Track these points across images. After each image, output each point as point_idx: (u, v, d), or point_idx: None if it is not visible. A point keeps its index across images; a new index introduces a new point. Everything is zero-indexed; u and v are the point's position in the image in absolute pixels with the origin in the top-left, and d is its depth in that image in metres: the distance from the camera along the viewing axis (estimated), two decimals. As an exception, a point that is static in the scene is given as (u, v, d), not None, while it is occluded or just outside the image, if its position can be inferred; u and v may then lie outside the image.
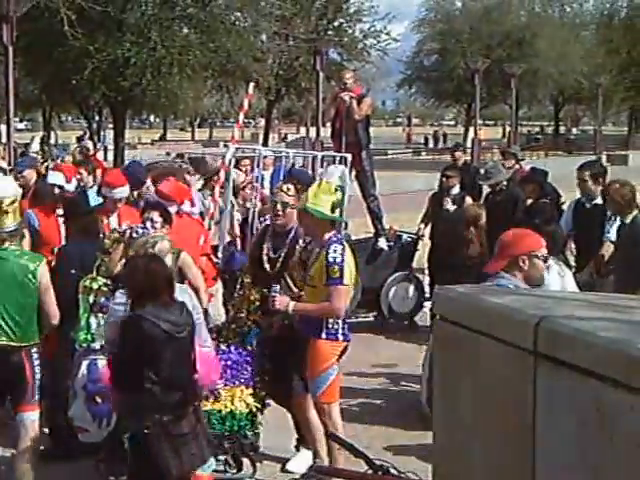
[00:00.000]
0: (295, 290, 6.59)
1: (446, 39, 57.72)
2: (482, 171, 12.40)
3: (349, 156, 10.04)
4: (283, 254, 6.75)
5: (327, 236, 6.30)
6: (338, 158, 10.02)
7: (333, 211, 6.37)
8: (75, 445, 6.69)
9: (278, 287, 6.39)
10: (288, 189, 6.89)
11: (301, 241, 6.81)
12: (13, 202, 6.06)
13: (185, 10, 28.71)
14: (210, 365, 5.91)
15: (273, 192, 7.67)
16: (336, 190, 6.46)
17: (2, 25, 18.93)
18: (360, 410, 8.33)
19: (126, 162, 12.86)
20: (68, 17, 24.24)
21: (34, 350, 6.11)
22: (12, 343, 6.02)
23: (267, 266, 6.88)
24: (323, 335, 6.30)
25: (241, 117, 10.69)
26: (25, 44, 24.15)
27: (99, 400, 6.30)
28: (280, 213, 6.81)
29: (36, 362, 6.11)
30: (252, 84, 11.59)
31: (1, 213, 6.02)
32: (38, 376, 6.11)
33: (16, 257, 6.08)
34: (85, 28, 25.20)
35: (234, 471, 6.42)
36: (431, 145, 71.52)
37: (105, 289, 6.70)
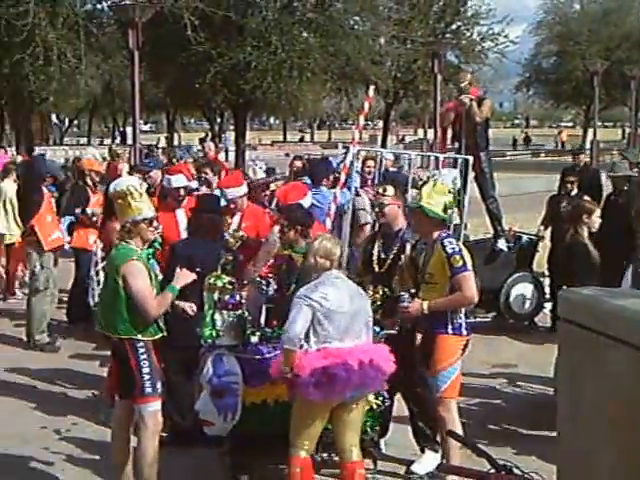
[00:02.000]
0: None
1: (564, 41, 56.73)
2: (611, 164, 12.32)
3: (470, 158, 10.07)
4: (392, 255, 6.84)
5: (437, 234, 6.41)
6: (460, 160, 10.06)
7: (445, 211, 6.50)
8: (197, 437, 6.87)
9: (407, 295, 6.49)
10: (385, 190, 7.08)
11: (409, 242, 6.92)
12: (131, 197, 6.19)
13: (305, 15, 28.99)
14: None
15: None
16: (449, 192, 6.57)
17: (129, 31, 19.54)
18: (480, 409, 8.35)
19: (247, 162, 13.11)
20: (191, 22, 24.75)
21: (139, 344, 6.15)
22: (109, 334, 6.23)
23: (376, 267, 7.00)
24: (449, 330, 6.40)
25: (361, 119, 10.80)
26: (150, 49, 24.78)
27: (224, 394, 6.48)
28: (381, 214, 7.01)
29: (143, 355, 6.14)
30: (372, 87, 11.69)
31: (121, 205, 6.21)
32: (147, 370, 6.14)
33: (115, 252, 6.26)
34: (208, 33, 25.70)
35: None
36: (520, 146, 70.47)
37: (230, 287, 6.89)
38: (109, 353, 6.78)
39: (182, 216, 8.79)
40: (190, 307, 6.99)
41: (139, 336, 6.15)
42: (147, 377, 6.13)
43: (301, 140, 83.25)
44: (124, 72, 30.57)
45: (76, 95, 38.55)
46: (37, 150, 29.33)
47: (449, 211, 6.60)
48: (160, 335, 6.29)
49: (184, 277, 6.34)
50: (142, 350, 6.14)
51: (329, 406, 5.82)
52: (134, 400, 6.21)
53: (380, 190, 7.28)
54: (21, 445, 7.64)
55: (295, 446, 5.87)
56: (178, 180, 9.23)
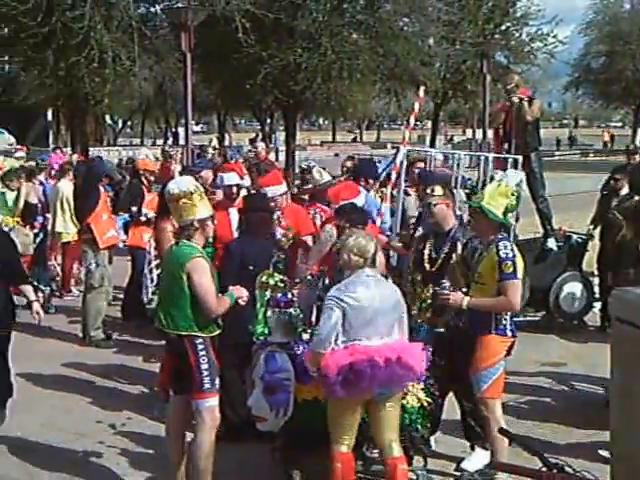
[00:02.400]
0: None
1: (614, 41, 56.11)
2: None
3: (520, 158, 10.07)
4: (444, 254, 6.89)
5: (494, 236, 6.45)
6: (510, 160, 10.08)
7: (505, 214, 6.52)
8: (249, 432, 6.97)
9: (447, 283, 6.55)
10: (434, 190, 7.12)
11: (460, 241, 6.97)
12: (189, 197, 6.27)
13: (354, 16, 28.99)
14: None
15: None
16: (512, 194, 6.58)
17: (181, 33, 19.73)
18: (529, 408, 8.35)
19: (303, 163, 13.17)
20: (243, 25, 24.87)
21: (199, 341, 6.24)
22: (172, 331, 6.29)
23: (427, 265, 7.06)
24: (492, 330, 6.43)
25: (412, 120, 10.85)
26: (202, 51, 24.97)
27: (276, 390, 6.56)
28: (429, 213, 7.07)
29: (202, 352, 6.23)
30: (422, 88, 11.71)
31: (179, 206, 6.28)
32: (206, 366, 6.22)
33: (177, 250, 6.31)
34: (259, 35, 25.82)
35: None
36: (565, 146, 69.74)
37: (281, 285, 6.99)
38: (162, 349, 6.93)
39: (235, 214, 8.91)
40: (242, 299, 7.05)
41: (199, 333, 6.23)
42: (206, 373, 6.21)
43: (354, 140, 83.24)
44: (176, 74, 30.75)
45: (130, 97, 38.87)
46: (92, 151, 29.72)
47: (509, 214, 6.62)
48: (218, 332, 6.39)
49: (239, 292, 6.44)
50: (201, 347, 6.22)
51: (357, 402, 5.86)
52: (192, 396, 6.29)
53: (429, 190, 7.33)
54: (76, 439, 7.79)
55: (335, 442, 5.93)
56: (231, 178, 9.34)
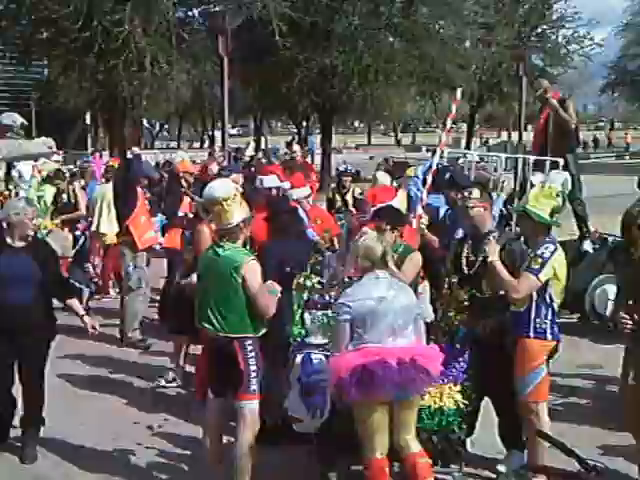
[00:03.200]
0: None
1: (652, 43, 55.70)
2: None
3: (561, 160, 10.04)
4: (481, 256, 6.90)
5: (540, 237, 6.45)
6: (548, 162, 10.04)
7: (552, 215, 6.52)
8: (286, 433, 6.97)
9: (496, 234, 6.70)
10: (471, 193, 7.13)
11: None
12: (231, 200, 6.34)
13: (391, 19, 29.03)
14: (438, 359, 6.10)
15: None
16: (557, 195, 6.57)
17: (218, 37, 19.84)
18: (565, 410, 8.33)
19: (340, 166, 13.23)
20: (280, 28, 24.98)
21: (248, 342, 6.28)
22: (222, 334, 6.29)
23: (465, 268, 7.06)
24: (531, 334, 6.41)
25: (449, 122, 10.82)
26: (239, 55, 25.07)
27: (313, 392, 6.59)
28: (467, 216, 7.08)
29: (251, 354, 6.27)
30: (459, 90, 11.69)
31: (221, 210, 6.36)
32: (254, 367, 6.28)
33: (226, 252, 6.33)
34: (295, 38, 25.93)
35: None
36: (591, 148, 69.07)
37: (319, 287, 7.03)
38: (198, 351, 6.95)
39: None
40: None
41: (250, 334, 6.28)
42: (253, 375, 6.27)
43: (398, 144, 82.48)
44: (213, 77, 30.97)
45: (167, 100, 39.14)
46: (130, 152, 29.89)
47: (556, 215, 6.63)
48: (264, 331, 6.41)
49: (276, 287, 6.48)
50: (250, 348, 6.27)
51: (377, 404, 5.83)
52: (237, 397, 6.33)
53: (466, 193, 7.33)
54: (114, 440, 7.83)
55: (366, 448, 5.93)
56: (270, 180, 9.36)
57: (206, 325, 6.36)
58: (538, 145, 11.61)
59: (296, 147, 17.94)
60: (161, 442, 7.79)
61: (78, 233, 13.16)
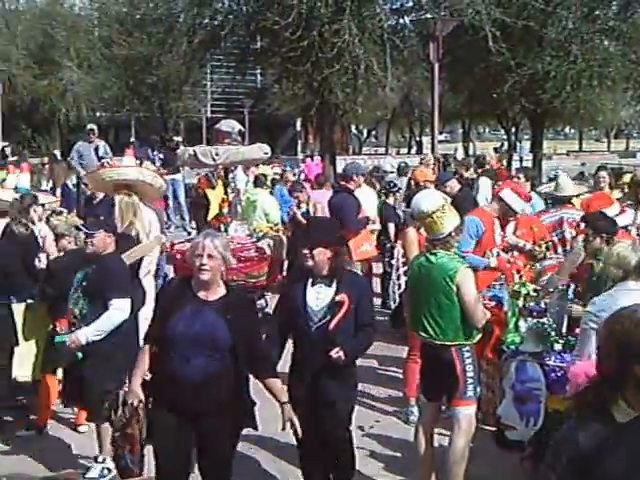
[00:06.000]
0: None
1: None
2: None
3: None
4: None
5: None
6: None
7: None
8: (499, 440, 6.93)
9: None
10: None
11: None
12: (440, 211, 6.38)
13: (606, 23, 28.22)
14: None
15: None
16: None
17: (429, 43, 19.90)
18: None
19: (552, 173, 13.03)
20: (492, 34, 24.81)
21: (466, 349, 6.33)
22: (438, 341, 6.34)
23: None
24: None
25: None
26: (449, 61, 25.04)
27: (526, 400, 6.54)
28: None
29: (468, 360, 6.31)
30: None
31: (428, 223, 6.42)
32: (471, 374, 6.32)
33: (440, 260, 6.36)
34: (507, 44, 25.64)
35: None
36: None
37: (534, 294, 6.98)
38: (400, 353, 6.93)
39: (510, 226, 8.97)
40: None
41: (467, 341, 6.34)
42: (470, 381, 6.32)
43: (626, 149, 79.34)
44: (423, 83, 31.13)
45: (379, 107, 39.67)
46: (338, 159, 30.51)
47: None
48: (479, 337, 6.45)
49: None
50: (468, 355, 6.33)
51: None
52: (452, 403, 6.39)
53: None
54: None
55: None
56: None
57: (422, 333, 6.44)
58: None
59: (490, 153, 17.79)
60: (372, 443, 7.87)
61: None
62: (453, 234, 6.37)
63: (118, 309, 6.89)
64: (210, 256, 5.30)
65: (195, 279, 5.43)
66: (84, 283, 7.04)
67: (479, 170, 17.63)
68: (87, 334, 6.82)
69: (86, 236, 7.14)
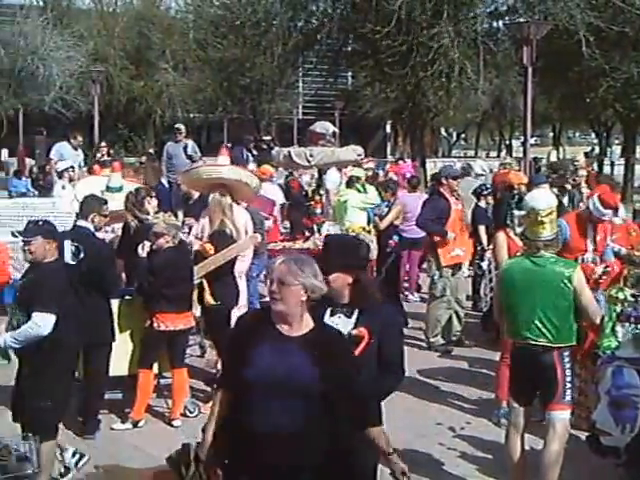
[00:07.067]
0: None
1: None
2: None
3: None
4: None
5: None
6: None
7: None
8: (593, 445, 6.95)
9: None
10: None
11: None
12: (549, 213, 6.39)
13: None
14: None
15: None
16: None
17: (523, 47, 19.80)
18: None
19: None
20: (586, 38, 24.57)
21: (567, 353, 6.34)
22: (546, 344, 6.33)
23: None
24: None
25: None
26: (542, 64, 24.89)
27: (623, 406, 6.51)
28: None
29: (568, 364, 6.33)
30: None
31: (538, 223, 6.39)
32: (570, 378, 6.34)
33: (551, 264, 6.37)
34: (601, 48, 25.36)
35: None
36: None
37: (632, 300, 6.92)
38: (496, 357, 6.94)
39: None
40: None
41: (571, 344, 6.39)
42: (569, 385, 6.35)
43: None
44: (516, 87, 30.92)
45: (471, 110, 39.53)
46: (428, 162, 30.52)
47: None
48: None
49: None
50: (568, 359, 6.36)
51: None
52: (550, 407, 6.39)
53: None
54: (417, 439, 7.96)
55: None
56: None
57: (528, 334, 6.43)
58: None
59: (580, 157, 17.60)
60: (463, 444, 7.90)
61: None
62: (558, 236, 6.43)
63: (35, 324, 6.38)
64: (282, 283, 4.40)
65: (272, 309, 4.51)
66: (17, 293, 6.79)
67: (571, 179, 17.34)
68: (6, 339, 6.51)
69: (23, 243, 6.65)
